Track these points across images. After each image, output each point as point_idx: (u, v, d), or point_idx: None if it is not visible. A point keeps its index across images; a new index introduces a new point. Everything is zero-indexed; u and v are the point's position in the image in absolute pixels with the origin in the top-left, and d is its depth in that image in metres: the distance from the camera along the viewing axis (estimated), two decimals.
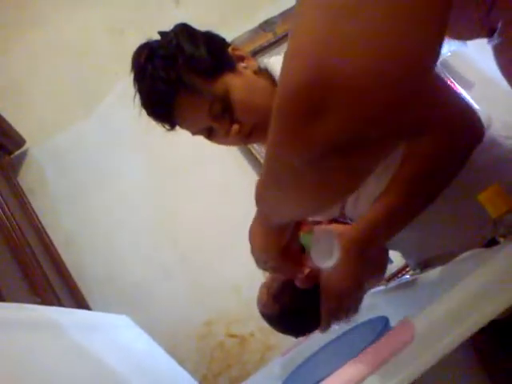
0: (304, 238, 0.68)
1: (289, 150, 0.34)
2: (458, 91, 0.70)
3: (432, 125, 0.67)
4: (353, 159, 0.33)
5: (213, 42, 0.81)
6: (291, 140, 0.32)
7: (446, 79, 0.72)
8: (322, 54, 0.28)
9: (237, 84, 0.78)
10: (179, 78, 0.76)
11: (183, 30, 0.81)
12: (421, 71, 0.29)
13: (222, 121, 0.80)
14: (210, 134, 0.83)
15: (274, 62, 0.84)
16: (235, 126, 0.79)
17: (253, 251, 0.71)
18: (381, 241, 0.71)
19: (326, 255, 0.65)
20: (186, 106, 0.79)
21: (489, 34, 0.44)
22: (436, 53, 0.29)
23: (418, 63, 0.28)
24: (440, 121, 0.67)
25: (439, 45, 0.29)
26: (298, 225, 0.69)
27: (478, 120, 0.70)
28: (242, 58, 0.82)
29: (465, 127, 0.69)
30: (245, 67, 0.82)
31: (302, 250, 0.70)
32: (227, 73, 0.78)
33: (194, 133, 0.85)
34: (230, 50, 0.82)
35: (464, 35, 0.50)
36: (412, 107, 0.30)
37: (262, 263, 0.71)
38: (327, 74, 0.28)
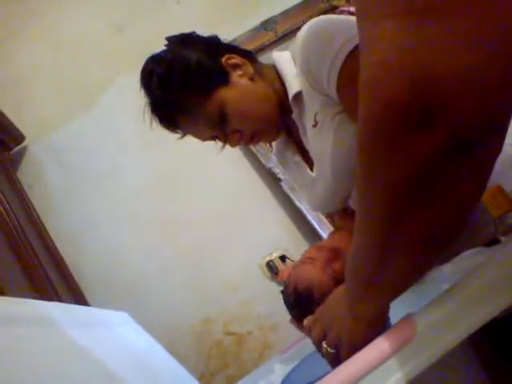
0: None
1: (402, 164, 0.31)
2: None
3: None
4: (464, 163, 0.31)
5: (207, 55, 0.81)
6: (402, 152, 0.30)
7: None
8: (416, 62, 0.26)
9: (231, 96, 0.80)
10: (175, 97, 0.80)
11: (178, 43, 0.84)
12: None
13: (223, 131, 0.84)
14: (216, 140, 0.88)
15: (279, 58, 0.84)
16: (235, 135, 0.83)
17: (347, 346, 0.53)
18: None
19: None
20: (186, 121, 0.84)
21: None
22: None
23: None
24: None
25: None
26: None
27: None
28: (237, 66, 0.83)
29: None
30: (240, 75, 0.82)
31: None
32: (220, 87, 0.80)
33: (203, 140, 0.89)
34: (224, 60, 0.82)
35: None
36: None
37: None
38: (426, 82, 0.26)
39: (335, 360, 0.55)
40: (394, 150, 0.30)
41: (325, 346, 0.57)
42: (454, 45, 0.26)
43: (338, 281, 0.70)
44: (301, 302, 0.73)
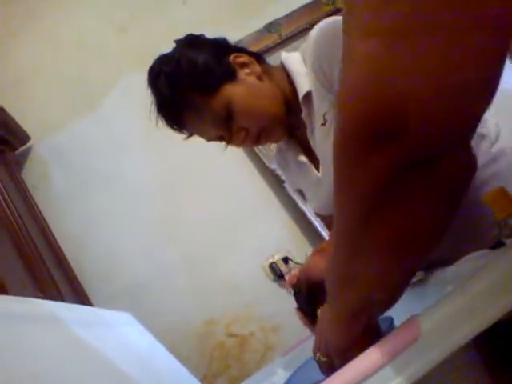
0: None
1: (359, 178, 0.33)
2: None
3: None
4: (432, 173, 0.33)
5: (214, 55, 0.82)
6: (362, 168, 0.32)
7: None
8: (382, 85, 0.28)
9: (238, 93, 0.80)
10: (182, 96, 0.80)
11: (186, 43, 0.84)
12: (489, 80, 0.30)
13: (229, 130, 0.83)
14: (222, 141, 0.87)
15: (288, 59, 0.85)
16: (241, 133, 0.83)
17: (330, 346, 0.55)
18: None
19: None
20: (192, 120, 0.83)
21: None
22: (503, 63, 0.30)
23: (483, 72, 0.29)
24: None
25: (504, 55, 0.29)
26: None
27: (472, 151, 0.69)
28: (244, 65, 0.83)
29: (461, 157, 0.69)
30: (248, 73, 0.83)
31: None
32: (227, 84, 0.80)
33: (208, 140, 0.89)
34: (232, 58, 0.83)
35: None
36: (480, 114, 0.31)
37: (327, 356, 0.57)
38: (393, 99, 0.28)
39: (329, 368, 0.55)
40: (357, 162, 0.33)
41: (318, 354, 0.57)
42: (415, 71, 0.28)
43: None
44: (312, 293, 0.73)
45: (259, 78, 0.83)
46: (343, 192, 0.37)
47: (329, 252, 0.71)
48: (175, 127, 0.86)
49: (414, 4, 0.27)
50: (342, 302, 0.49)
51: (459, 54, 0.28)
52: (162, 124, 0.88)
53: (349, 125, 0.31)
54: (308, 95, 0.78)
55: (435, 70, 0.28)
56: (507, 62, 0.48)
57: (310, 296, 0.74)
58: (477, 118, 0.32)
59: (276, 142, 0.93)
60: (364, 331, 0.50)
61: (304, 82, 0.79)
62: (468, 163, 0.35)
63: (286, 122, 0.85)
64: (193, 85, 0.80)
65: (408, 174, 0.32)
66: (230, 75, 0.81)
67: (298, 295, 0.80)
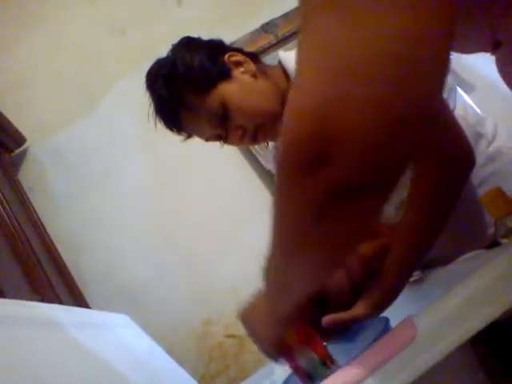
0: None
1: (291, 199, 0.36)
2: (455, 118, 0.70)
3: (431, 150, 0.68)
4: (359, 203, 0.35)
5: (208, 54, 0.83)
6: (294, 189, 0.35)
7: (447, 105, 0.71)
8: (326, 112, 0.31)
9: (232, 91, 0.81)
10: (179, 96, 0.81)
11: (181, 46, 0.86)
12: (421, 123, 0.31)
13: (226, 128, 0.84)
14: (220, 140, 0.88)
15: (286, 58, 0.85)
16: (238, 131, 0.83)
17: (255, 336, 0.65)
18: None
19: None
20: (189, 120, 0.84)
21: (493, 48, 0.44)
22: (435, 104, 0.32)
23: (416, 117, 0.31)
24: (439, 145, 0.68)
25: (438, 96, 0.32)
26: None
27: (470, 146, 0.70)
28: (239, 63, 0.84)
29: (461, 153, 0.69)
30: (242, 72, 0.84)
31: None
32: (222, 82, 0.81)
33: (206, 140, 0.89)
34: (226, 57, 0.83)
35: (470, 49, 0.50)
36: (408, 155, 0.33)
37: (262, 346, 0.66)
38: (331, 129, 0.30)
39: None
40: (292, 182, 0.35)
41: None
42: (353, 106, 0.30)
43: (351, 278, 0.69)
44: (317, 305, 0.72)
45: (254, 76, 0.84)
46: (279, 205, 0.39)
47: None
48: (174, 129, 0.87)
49: (353, 54, 0.30)
50: (277, 304, 0.55)
51: (398, 102, 0.30)
52: (159, 125, 0.88)
53: (287, 145, 0.33)
54: None
55: (370, 113, 0.30)
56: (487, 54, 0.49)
57: (310, 307, 0.73)
58: (405, 155, 0.33)
59: (274, 139, 0.93)
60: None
61: None
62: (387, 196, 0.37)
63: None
64: (188, 84, 0.81)
65: (340, 198, 0.34)
66: (225, 74, 0.82)
67: None
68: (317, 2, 0.32)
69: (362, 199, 0.34)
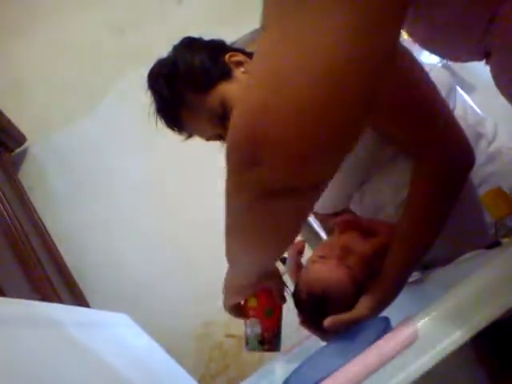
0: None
1: (233, 192, 0.42)
2: (455, 118, 0.70)
3: (431, 150, 0.68)
4: (289, 201, 0.40)
5: (209, 54, 0.83)
6: (235, 184, 0.41)
7: (447, 105, 0.72)
8: (256, 120, 0.35)
9: (233, 91, 0.81)
10: (179, 95, 0.82)
11: (183, 46, 0.86)
12: (338, 139, 0.36)
13: (225, 128, 0.84)
14: (220, 140, 0.89)
15: None
16: None
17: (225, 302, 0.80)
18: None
19: None
20: (189, 119, 0.85)
21: (484, 57, 0.45)
22: (351, 129, 0.36)
23: (334, 133, 0.35)
24: (439, 145, 0.68)
25: (359, 117, 0.36)
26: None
27: (470, 146, 0.70)
28: (240, 64, 0.84)
29: (461, 153, 0.69)
30: (243, 72, 0.84)
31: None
32: (222, 82, 0.81)
33: (206, 140, 0.90)
34: (227, 57, 0.84)
35: (462, 58, 0.51)
36: (325, 163, 0.37)
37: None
38: (261, 133, 0.35)
39: None
40: (231, 177, 0.41)
41: None
42: (277, 117, 0.34)
43: (353, 278, 0.69)
44: (317, 305, 0.69)
45: None
46: (226, 193, 0.44)
47: (330, 260, 0.71)
48: (174, 128, 0.88)
49: (280, 69, 0.34)
50: (230, 276, 0.70)
51: (321, 128, 0.34)
52: (160, 126, 0.88)
53: (229, 143, 0.39)
54: None
55: (293, 124, 0.34)
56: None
57: (313, 308, 0.72)
58: (323, 163, 0.37)
59: None
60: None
61: None
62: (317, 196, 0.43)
63: None
64: (189, 84, 0.82)
65: (269, 194, 0.39)
66: (226, 74, 0.82)
67: (300, 307, 0.77)
68: (267, 16, 0.37)
69: (291, 197, 0.39)
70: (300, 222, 0.48)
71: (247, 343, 0.81)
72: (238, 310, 0.82)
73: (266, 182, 0.37)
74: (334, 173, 0.40)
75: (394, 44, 0.35)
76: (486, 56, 0.45)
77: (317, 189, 0.41)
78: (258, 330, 0.77)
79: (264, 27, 0.37)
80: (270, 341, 0.77)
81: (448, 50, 0.54)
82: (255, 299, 0.78)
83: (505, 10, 0.38)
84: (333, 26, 0.32)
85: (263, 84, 0.35)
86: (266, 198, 0.39)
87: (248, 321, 0.79)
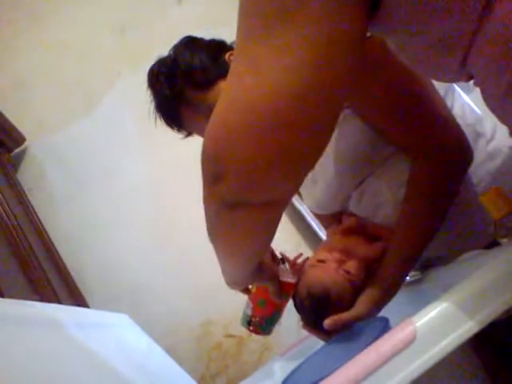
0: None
1: (206, 201, 0.47)
2: (453, 116, 0.70)
3: (429, 149, 0.68)
4: (253, 213, 0.45)
5: (209, 53, 0.84)
6: (206, 194, 0.46)
7: (445, 104, 0.72)
8: (219, 140, 0.40)
9: None
10: (179, 93, 0.82)
11: (183, 44, 0.87)
12: (292, 163, 0.40)
13: None
14: None
15: None
16: None
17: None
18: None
19: None
20: (189, 117, 0.85)
21: (468, 80, 0.45)
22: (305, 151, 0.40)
23: (278, 158, 0.39)
24: (437, 144, 0.68)
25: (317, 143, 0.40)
26: None
27: (469, 144, 0.70)
28: None
29: (459, 151, 0.69)
30: None
31: None
32: (221, 81, 0.81)
33: None
34: (227, 56, 0.84)
35: (444, 79, 0.51)
36: (272, 183, 0.41)
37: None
38: (220, 152, 0.40)
39: None
40: (204, 187, 0.46)
41: None
42: (234, 139, 0.39)
43: (352, 282, 0.69)
44: (317, 308, 0.71)
45: None
46: (203, 200, 0.48)
47: (328, 264, 0.71)
48: (174, 126, 0.88)
49: (242, 98, 0.39)
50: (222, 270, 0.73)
51: (266, 152, 0.39)
52: (159, 125, 0.88)
53: (203, 155, 0.43)
54: None
55: (249, 146, 0.39)
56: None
57: (313, 312, 0.72)
58: (276, 182, 0.41)
59: None
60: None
61: None
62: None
63: None
64: (189, 82, 0.82)
65: (232, 207, 0.44)
66: (226, 72, 0.82)
67: (300, 311, 0.77)
68: (236, 47, 0.41)
69: (246, 210, 0.44)
70: (265, 232, 0.52)
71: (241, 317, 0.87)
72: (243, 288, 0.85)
73: (223, 195, 0.43)
74: (290, 190, 0.45)
75: (348, 72, 0.39)
76: (469, 79, 0.45)
77: (272, 204, 0.45)
78: (248, 311, 0.83)
79: (234, 55, 0.42)
80: (255, 325, 0.83)
81: (432, 77, 0.58)
82: (255, 286, 0.82)
83: (477, 43, 0.38)
84: (288, 63, 0.36)
85: (228, 106, 0.40)
86: (226, 209, 0.44)
87: (247, 298, 0.84)
